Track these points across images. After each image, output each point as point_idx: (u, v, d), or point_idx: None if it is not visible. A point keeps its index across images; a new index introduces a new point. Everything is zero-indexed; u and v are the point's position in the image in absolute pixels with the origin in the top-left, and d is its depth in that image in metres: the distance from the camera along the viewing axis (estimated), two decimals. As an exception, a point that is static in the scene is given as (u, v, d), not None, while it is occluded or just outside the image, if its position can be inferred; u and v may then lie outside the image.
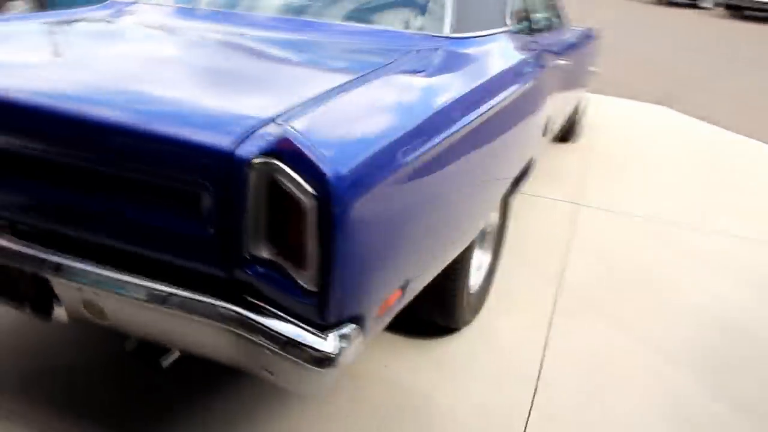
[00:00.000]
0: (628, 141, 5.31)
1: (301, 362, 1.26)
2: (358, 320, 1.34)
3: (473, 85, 1.87)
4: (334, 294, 1.24)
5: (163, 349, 1.62)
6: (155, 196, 1.33)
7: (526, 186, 4.14)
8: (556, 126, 3.71)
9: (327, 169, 1.15)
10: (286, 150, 1.17)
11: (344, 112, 1.40)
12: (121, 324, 1.52)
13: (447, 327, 2.44)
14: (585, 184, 4.27)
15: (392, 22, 2.27)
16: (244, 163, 1.19)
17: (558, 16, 4.03)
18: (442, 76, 1.88)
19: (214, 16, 2.38)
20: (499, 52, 2.27)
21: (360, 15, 2.31)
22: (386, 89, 1.62)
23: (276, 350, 1.28)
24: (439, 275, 2.07)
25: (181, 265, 1.35)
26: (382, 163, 1.31)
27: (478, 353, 2.38)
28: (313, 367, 1.26)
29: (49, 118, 1.34)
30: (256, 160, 1.18)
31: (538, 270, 3.04)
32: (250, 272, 1.28)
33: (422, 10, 2.32)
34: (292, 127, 1.21)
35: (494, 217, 2.66)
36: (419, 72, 1.82)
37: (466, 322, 2.50)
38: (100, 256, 1.44)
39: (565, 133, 5.06)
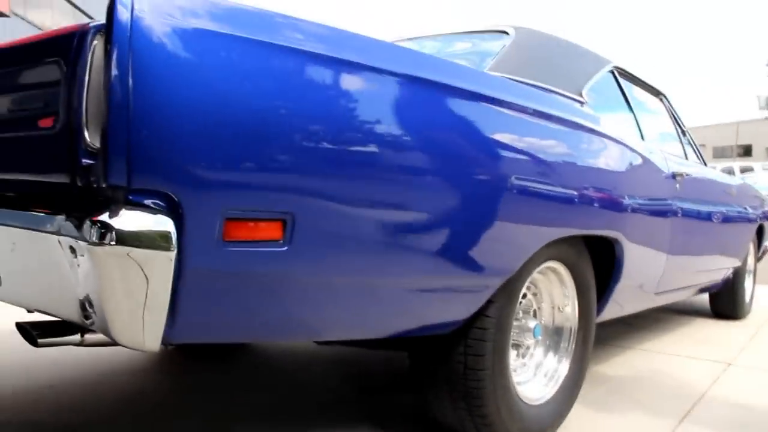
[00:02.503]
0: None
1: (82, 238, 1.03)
2: (171, 212, 1.06)
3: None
4: (117, 138, 1.01)
5: (48, 331, 1.35)
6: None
7: (650, 344, 3.40)
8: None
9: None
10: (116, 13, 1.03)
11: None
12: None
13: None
14: (744, 347, 3.43)
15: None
16: (89, 33, 1.12)
17: (697, 155, 3.61)
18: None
19: None
20: (520, 92, 1.86)
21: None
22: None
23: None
24: (455, 357, 1.73)
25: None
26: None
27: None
28: (94, 246, 1.01)
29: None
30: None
31: (651, 409, 2.32)
32: (84, 162, 1.10)
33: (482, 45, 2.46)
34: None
35: (568, 311, 2.12)
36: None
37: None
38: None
39: (725, 307, 4.24)
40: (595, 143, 2.09)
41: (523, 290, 1.91)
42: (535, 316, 2.08)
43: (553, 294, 2.11)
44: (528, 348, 2.05)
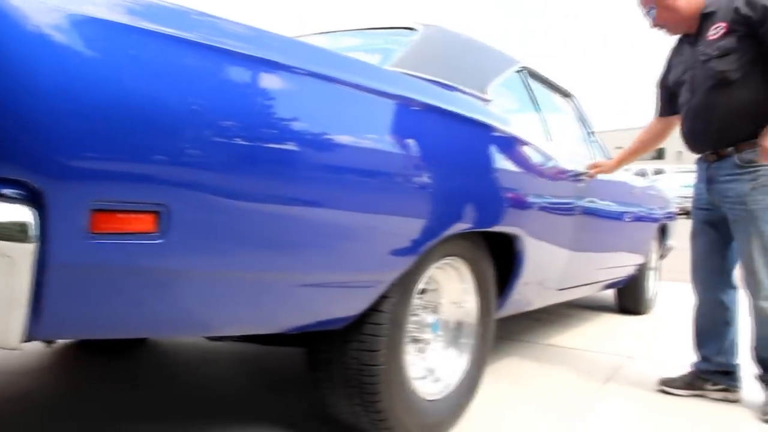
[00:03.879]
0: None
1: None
2: (32, 202, 1.00)
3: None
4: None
5: None
6: None
7: (556, 339, 3.50)
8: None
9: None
10: None
11: None
12: None
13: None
14: (645, 341, 3.57)
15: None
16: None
17: (605, 156, 3.70)
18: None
19: None
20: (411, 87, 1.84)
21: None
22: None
23: None
24: (349, 353, 1.72)
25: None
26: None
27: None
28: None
29: None
30: None
31: (552, 402, 2.37)
32: None
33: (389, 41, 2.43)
34: None
35: (468, 307, 2.14)
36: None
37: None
38: None
39: (630, 303, 4.40)
40: (496, 141, 2.11)
41: (422, 286, 1.92)
42: (435, 311, 2.09)
43: (453, 290, 2.13)
44: (427, 343, 2.05)
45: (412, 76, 1.99)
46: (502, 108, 2.44)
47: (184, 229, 1.18)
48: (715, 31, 2.26)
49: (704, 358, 2.59)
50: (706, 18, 2.32)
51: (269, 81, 1.33)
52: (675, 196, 5.91)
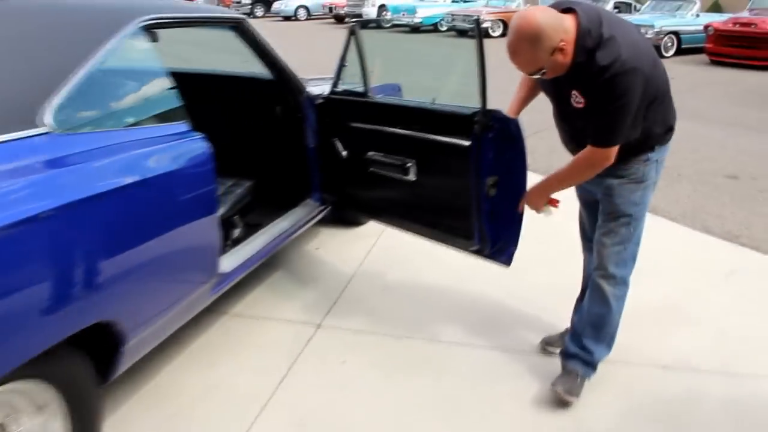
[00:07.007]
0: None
1: None
2: None
3: None
4: None
5: None
6: None
7: (247, 308, 3.14)
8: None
9: None
10: None
11: None
12: None
13: None
14: (343, 295, 3.28)
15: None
16: None
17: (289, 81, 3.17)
18: None
19: None
20: None
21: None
22: None
23: None
24: None
25: None
26: None
27: None
28: None
29: None
30: None
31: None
32: None
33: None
34: None
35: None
36: None
37: None
38: None
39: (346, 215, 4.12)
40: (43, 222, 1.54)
41: None
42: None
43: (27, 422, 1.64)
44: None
45: None
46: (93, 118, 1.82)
47: None
48: (576, 99, 2.29)
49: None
50: (573, 73, 2.23)
51: None
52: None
